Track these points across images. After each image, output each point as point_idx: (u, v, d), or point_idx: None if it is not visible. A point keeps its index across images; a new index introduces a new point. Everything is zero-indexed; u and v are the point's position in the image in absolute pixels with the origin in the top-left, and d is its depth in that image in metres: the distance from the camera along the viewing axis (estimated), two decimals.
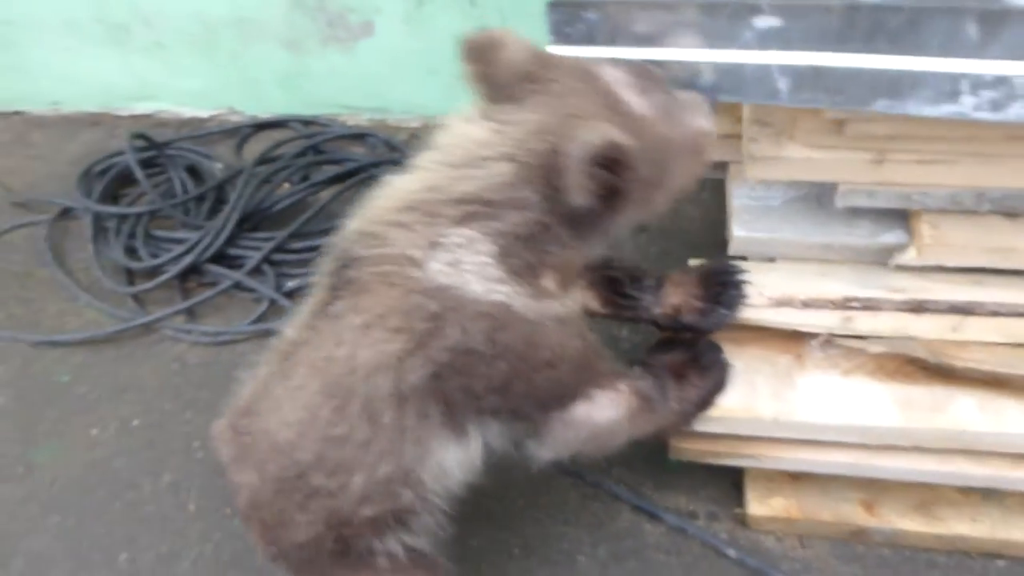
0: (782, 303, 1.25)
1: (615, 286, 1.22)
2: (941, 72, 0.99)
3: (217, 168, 2.34)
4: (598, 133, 0.82)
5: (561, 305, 0.97)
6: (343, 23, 2.37)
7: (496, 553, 1.40)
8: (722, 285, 1.21)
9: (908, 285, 1.25)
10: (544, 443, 1.06)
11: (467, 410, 0.98)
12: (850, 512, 1.34)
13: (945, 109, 1.02)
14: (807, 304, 1.24)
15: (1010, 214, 1.25)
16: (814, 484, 1.35)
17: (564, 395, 1.02)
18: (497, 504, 1.44)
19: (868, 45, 1.00)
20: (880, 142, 1.18)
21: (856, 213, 1.32)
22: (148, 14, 2.54)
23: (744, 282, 1.21)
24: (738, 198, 1.42)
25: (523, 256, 0.91)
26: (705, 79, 1.08)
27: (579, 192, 0.85)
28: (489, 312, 0.90)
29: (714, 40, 1.04)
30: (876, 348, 1.21)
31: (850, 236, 1.33)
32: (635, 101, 0.90)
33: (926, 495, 1.32)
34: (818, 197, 1.34)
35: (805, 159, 1.22)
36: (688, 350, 1.21)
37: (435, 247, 0.90)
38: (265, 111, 2.62)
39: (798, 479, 1.36)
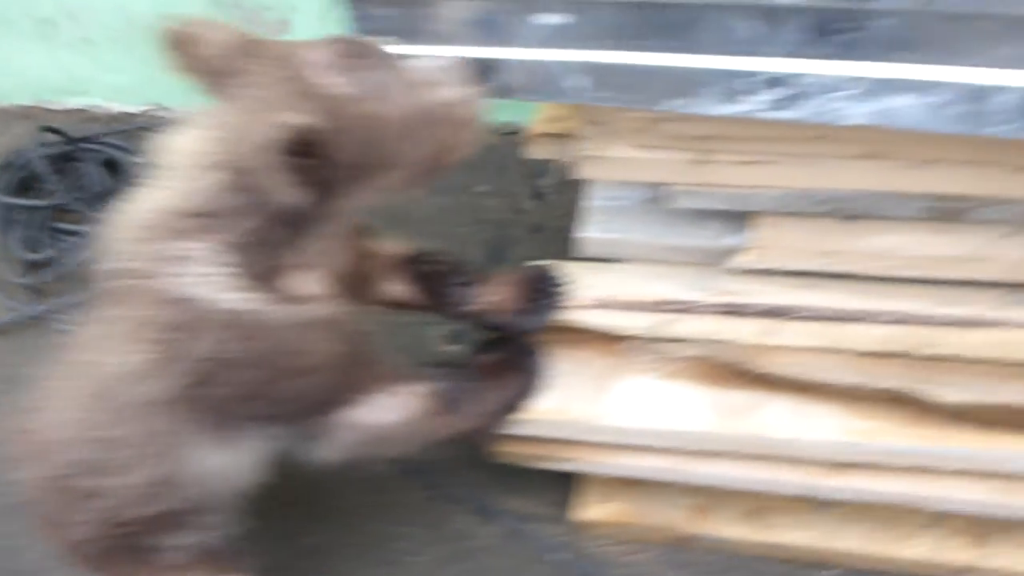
0: (603, 305, 1.23)
1: (435, 280, 1.20)
2: (722, 70, 0.98)
3: (135, 163, 2.33)
4: (279, 123, 0.80)
5: (318, 307, 0.95)
6: (260, 20, 2.37)
7: (329, 552, 1.38)
8: (540, 290, 1.19)
9: (734, 288, 1.23)
10: (325, 445, 1.04)
11: (231, 417, 0.97)
12: (681, 518, 1.32)
13: (732, 108, 1.01)
14: (626, 306, 1.22)
15: (841, 216, 1.24)
16: (647, 489, 1.33)
17: (334, 399, 1.00)
18: (336, 502, 1.43)
19: (655, 42, 0.99)
20: (700, 142, 1.17)
21: (705, 215, 1.31)
22: (73, 9, 2.54)
23: (562, 289, 1.19)
24: (594, 198, 1.40)
25: (261, 262, 0.90)
26: (503, 77, 1.07)
27: (280, 189, 0.83)
28: (234, 322, 0.89)
29: (507, 37, 1.03)
30: (691, 351, 1.19)
31: (697, 239, 1.31)
32: (334, 82, 0.87)
33: (758, 503, 1.30)
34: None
35: (630, 159, 1.21)
36: (504, 351, 1.20)
37: (180, 261, 0.89)
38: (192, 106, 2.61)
39: (632, 484, 1.34)
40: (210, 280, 0.89)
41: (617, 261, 1.34)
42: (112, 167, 2.30)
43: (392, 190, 0.97)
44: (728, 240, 1.28)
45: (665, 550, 1.33)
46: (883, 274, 1.20)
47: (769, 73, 0.97)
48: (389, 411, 1.05)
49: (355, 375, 1.02)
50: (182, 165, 0.90)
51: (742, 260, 1.24)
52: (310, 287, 0.96)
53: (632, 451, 1.22)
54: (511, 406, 1.16)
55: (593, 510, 1.34)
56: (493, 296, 1.19)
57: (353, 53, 0.89)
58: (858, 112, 0.97)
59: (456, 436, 1.17)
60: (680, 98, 1.02)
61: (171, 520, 1.03)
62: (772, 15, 0.93)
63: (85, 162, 2.27)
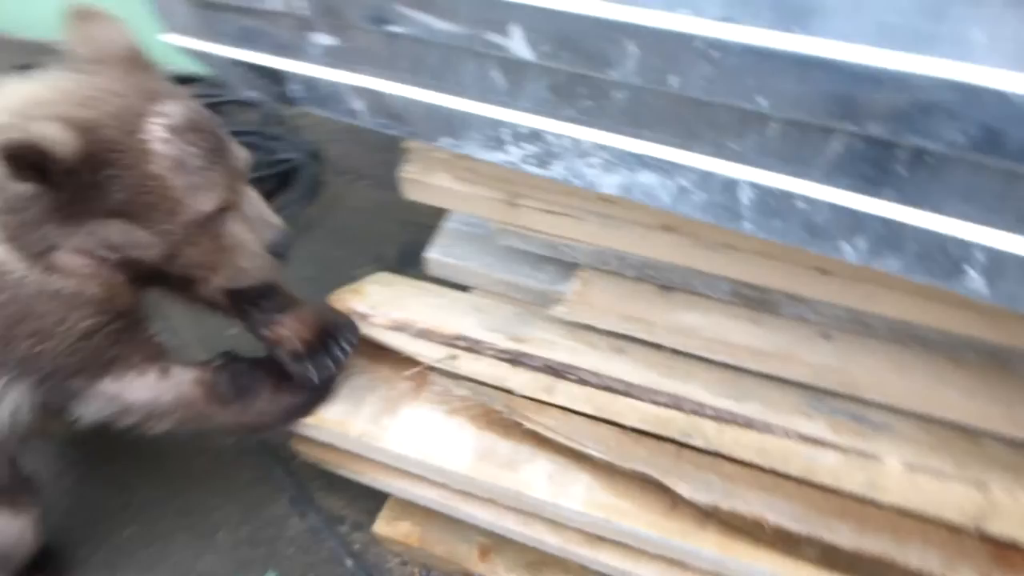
0: (399, 327, 1.23)
1: (245, 298, 1.22)
2: (483, 117, 0.95)
3: None
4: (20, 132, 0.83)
5: (79, 284, 1.00)
6: None
7: (150, 512, 1.45)
8: (331, 337, 1.19)
9: (538, 336, 1.20)
10: (81, 408, 1.10)
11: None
12: (465, 554, 1.31)
13: (497, 156, 0.98)
14: (421, 334, 1.22)
15: (657, 284, 1.18)
16: (443, 517, 1.32)
17: (79, 367, 1.05)
18: (169, 463, 1.50)
19: (421, 78, 0.97)
20: (510, 184, 1.14)
21: (541, 258, 1.28)
22: None
23: (350, 345, 1.19)
24: (450, 220, 1.40)
25: (36, 234, 0.95)
26: (292, 89, 1.08)
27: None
28: None
29: (289, 51, 1.04)
30: (460, 392, 1.17)
31: (528, 279, 1.29)
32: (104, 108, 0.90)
33: (538, 555, 1.27)
34: None
35: (448, 189, 1.19)
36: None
37: None
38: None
39: (428, 510, 1.33)
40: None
41: (462, 286, 1.34)
42: None
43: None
44: (558, 287, 1.25)
45: None
46: (684, 350, 1.14)
47: (523, 127, 0.93)
48: (142, 390, 1.09)
49: (115, 351, 1.06)
50: None
51: (557, 310, 1.20)
52: (78, 266, 1.00)
53: (409, 477, 1.21)
54: (291, 413, 1.18)
55: (388, 526, 1.34)
56: (284, 329, 1.20)
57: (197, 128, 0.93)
58: (608, 182, 0.93)
59: (236, 429, 1.19)
60: (450, 137, 1.00)
61: None
62: (518, 69, 0.89)
63: None
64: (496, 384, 1.15)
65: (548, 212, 1.13)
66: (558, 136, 0.91)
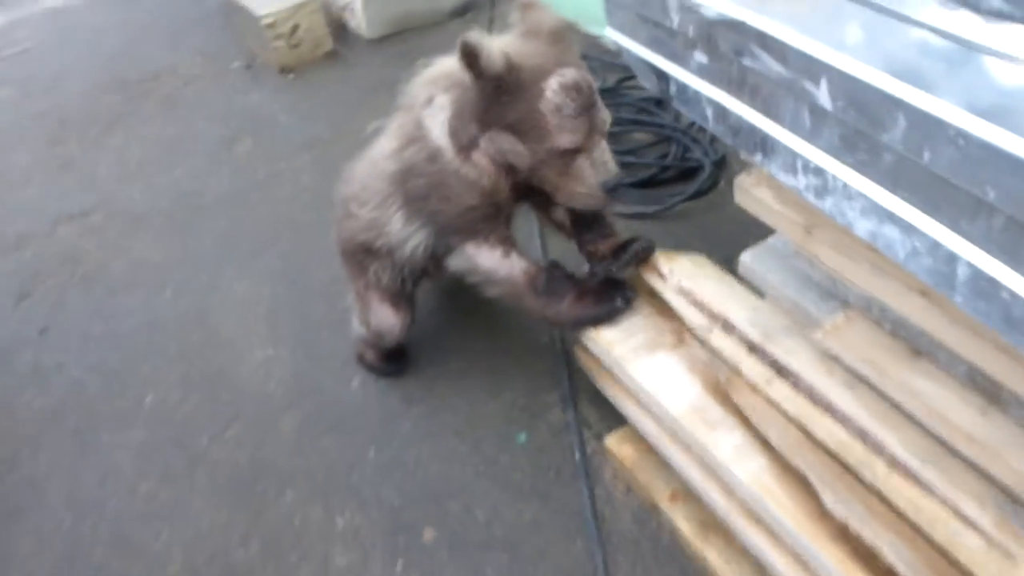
0: (683, 294, 1.52)
1: (581, 223, 1.63)
2: (788, 145, 1.20)
3: None
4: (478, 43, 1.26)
5: (476, 174, 1.46)
6: None
7: (470, 359, 1.97)
8: (629, 253, 1.54)
9: (781, 341, 1.41)
10: (455, 258, 1.61)
11: (414, 205, 1.59)
12: (660, 490, 1.57)
13: (788, 179, 1.23)
14: (696, 304, 1.50)
15: (912, 348, 1.31)
16: (656, 456, 1.61)
17: (464, 230, 1.54)
18: (500, 338, 1.99)
19: (751, 101, 1.25)
20: (812, 214, 1.36)
21: (828, 292, 1.48)
22: None
23: (643, 258, 1.52)
24: (775, 238, 1.64)
25: (467, 132, 1.42)
26: (671, 88, 1.42)
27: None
28: (433, 151, 1.48)
29: (676, 60, 1.38)
30: (703, 356, 1.43)
31: (810, 304, 1.49)
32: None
33: (712, 518, 1.49)
34: None
35: (764, 202, 1.45)
36: (603, 284, 1.59)
37: (429, 103, 1.49)
38: None
39: (649, 442, 1.62)
40: (437, 121, 1.49)
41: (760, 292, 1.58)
42: None
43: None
44: (827, 317, 1.43)
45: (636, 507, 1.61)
46: (905, 408, 1.26)
47: (812, 162, 1.16)
48: (493, 262, 1.56)
49: (482, 226, 1.54)
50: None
51: (815, 334, 1.39)
52: (483, 164, 1.49)
53: (640, 407, 1.52)
54: (581, 320, 1.56)
55: (615, 443, 1.67)
56: (602, 247, 1.57)
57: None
58: (861, 225, 1.12)
59: (541, 317, 1.62)
60: (761, 154, 1.26)
61: (375, 251, 1.73)
62: (821, 115, 1.12)
63: None
64: (730, 361, 1.39)
65: (832, 248, 1.32)
66: (835, 177, 1.12)
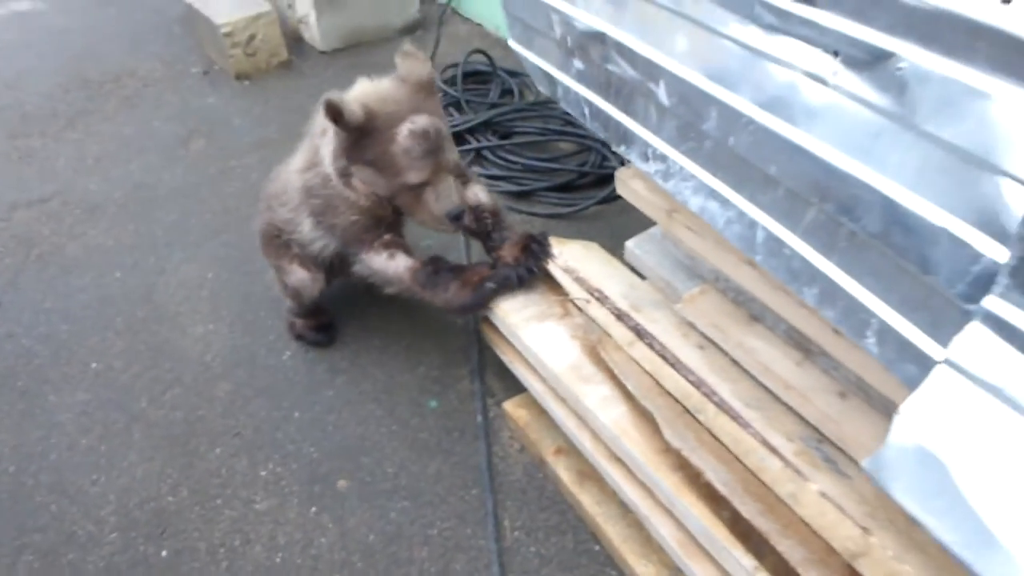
0: (569, 271, 1.75)
1: (479, 227, 1.84)
2: (641, 136, 1.43)
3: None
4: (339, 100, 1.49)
5: (356, 197, 1.69)
6: None
7: (390, 335, 2.18)
8: (532, 252, 1.75)
9: (647, 312, 1.64)
10: (358, 266, 1.83)
11: (316, 218, 1.80)
12: (547, 446, 1.78)
13: (643, 165, 1.46)
14: (578, 280, 1.72)
15: (751, 315, 1.55)
16: (546, 417, 1.82)
17: (351, 239, 1.76)
18: (416, 317, 2.20)
19: (615, 100, 1.48)
20: (668, 199, 1.60)
21: (693, 272, 1.71)
22: None
23: (531, 272, 1.73)
24: (657, 227, 1.87)
25: (340, 165, 1.66)
26: (558, 90, 1.65)
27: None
28: (324, 173, 1.70)
29: (561, 66, 1.61)
30: (580, 323, 1.65)
31: (678, 282, 1.73)
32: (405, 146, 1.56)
33: (589, 468, 1.70)
34: None
35: (637, 192, 1.68)
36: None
37: (324, 135, 1.69)
38: None
39: (541, 407, 1.84)
40: (327, 151, 1.69)
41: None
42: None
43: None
44: (683, 289, 1.67)
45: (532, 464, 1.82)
46: (740, 363, 1.49)
47: (658, 150, 1.40)
48: (380, 263, 1.77)
49: (367, 235, 1.75)
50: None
51: (676, 306, 1.63)
52: (360, 187, 1.68)
53: (529, 369, 1.74)
54: (466, 305, 1.75)
55: (512, 407, 1.88)
56: (505, 253, 1.78)
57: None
58: (692, 201, 1.35)
59: (434, 305, 1.83)
60: (624, 145, 1.50)
61: (291, 241, 1.93)
62: (662, 110, 1.36)
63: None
64: (602, 327, 1.62)
65: (687, 228, 1.56)
66: (674, 162, 1.36)
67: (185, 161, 3.05)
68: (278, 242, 1.97)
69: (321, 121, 1.67)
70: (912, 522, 0.90)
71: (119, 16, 4.29)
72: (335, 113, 1.51)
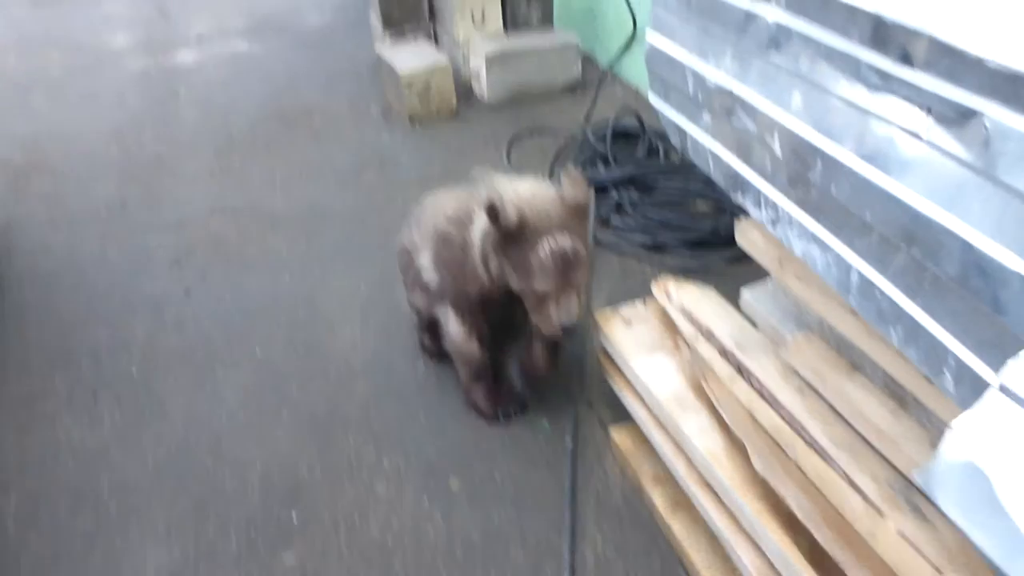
0: (682, 311, 1.86)
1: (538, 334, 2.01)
2: (755, 185, 1.55)
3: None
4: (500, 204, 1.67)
5: (486, 275, 1.85)
6: None
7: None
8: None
9: (752, 353, 1.73)
10: (441, 313, 2.09)
11: (434, 258, 2.02)
12: (647, 473, 1.89)
13: (755, 212, 1.57)
14: (690, 319, 1.83)
15: (851, 363, 1.61)
16: (648, 446, 1.92)
17: (452, 298, 2.01)
18: None
19: (737, 151, 1.61)
20: (783, 250, 1.69)
21: (800, 319, 1.79)
22: None
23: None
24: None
25: (484, 242, 1.83)
26: (687, 143, 1.80)
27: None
28: (469, 239, 1.87)
29: (692, 119, 1.76)
30: (688, 358, 1.76)
31: (785, 329, 1.81)
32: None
33: (683, 497, 1.78)
34: None
35: (755, 242, 1.79)
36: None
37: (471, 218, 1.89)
38: None
39: (645, 436, 1.94)
40: (479, 224, 1.84)
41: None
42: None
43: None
44: (790, 336, 1.74)
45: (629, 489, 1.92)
46: (837, 408, 1.55)
47: (770, 198, 1.51)
48: (459, 334, 2.03)
49: (466, 306, 1.98)
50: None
51: (781, 350, 1.71)
52: (493, 269, 1.83)
53: (635, 396, 1.86)
54: (476, 406, 2.11)
55: (617, 433, 1.99)
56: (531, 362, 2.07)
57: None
58: (796, 246, 1.45)
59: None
60: (739, 193, 1.62)
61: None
62: (776, 161, 1.48)
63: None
64: (707, 361, 1.72)
65: (796, 277, 1.64)
66: (783, 209, 1.47)
67: (356, 188, 3.41)
68: (408, 258, 2.19)
69: (486, 188, 1.82)
70: (990, 570, 0.95)
71: (318, 60, 4.85)
72: (494, 213, 1.67)
